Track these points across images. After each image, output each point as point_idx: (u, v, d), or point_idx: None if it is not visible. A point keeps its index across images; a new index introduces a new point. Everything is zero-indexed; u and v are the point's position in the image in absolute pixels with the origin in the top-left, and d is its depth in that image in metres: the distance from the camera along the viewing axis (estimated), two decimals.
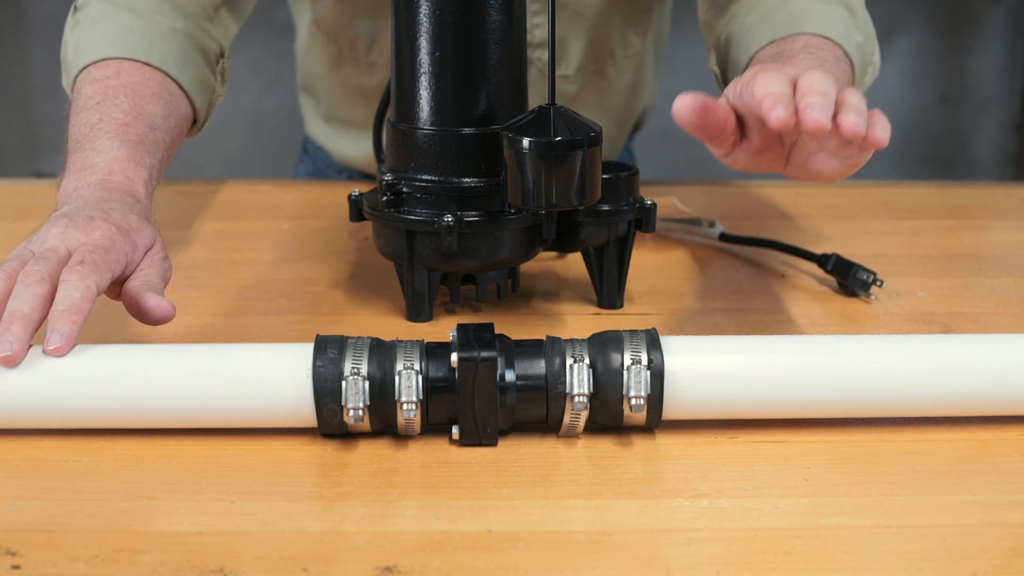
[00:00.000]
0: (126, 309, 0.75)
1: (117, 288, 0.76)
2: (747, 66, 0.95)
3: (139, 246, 0.77)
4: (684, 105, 0.69)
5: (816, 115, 0.66)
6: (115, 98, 0.90)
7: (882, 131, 0.68)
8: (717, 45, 1.03)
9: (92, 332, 0.86)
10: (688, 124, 0.70)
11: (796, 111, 0.67)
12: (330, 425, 0.69)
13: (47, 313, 0.70)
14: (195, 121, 0.99)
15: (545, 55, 1.09)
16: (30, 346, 0.69)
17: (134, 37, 0.94)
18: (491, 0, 0.81)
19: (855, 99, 0.69)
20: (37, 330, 0.69)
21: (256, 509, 0.63)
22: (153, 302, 0.74)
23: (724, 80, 1.01)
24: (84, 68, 0.93)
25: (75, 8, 0.98)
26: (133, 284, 0.75)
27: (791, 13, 0.96)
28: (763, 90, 0.69)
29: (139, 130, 0.87)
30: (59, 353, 0.68)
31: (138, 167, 0.85)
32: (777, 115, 0.66)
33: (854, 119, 0.66)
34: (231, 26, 1.04)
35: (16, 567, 0.57)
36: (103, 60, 0.93)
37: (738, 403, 0.70)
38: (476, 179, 0.83)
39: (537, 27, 1.08)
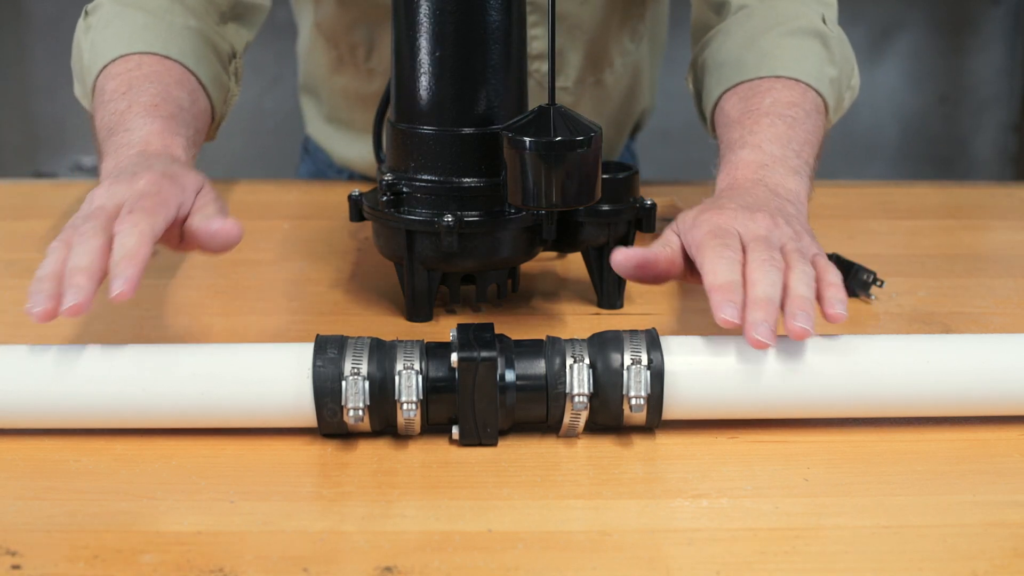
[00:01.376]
0: (197, 246, 0.74)
1: (177, 233, 0.74)
2: (716, 107, 0.95)
3: (188, 187, 0.75)
4: (619, 264, 0.75)
5: (759, 337, 0.68)
6: (140, 86, 0.89)
7: (840, 308, 0.71)
8: (693, 66, 1.03)
9: (92, 332, 0.86)
10: (629, 277, 0.76)
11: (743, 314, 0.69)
12: (330, 425, 0.69)
13: (107, 265, 0.68)
14: (212, 118, 0.98)
15: (543, 66, 1.09)
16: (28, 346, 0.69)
17: (150, 34, 0.93)
18: (491, 0, 0.81)
19: (802, 288, 0.71)
20: (101, 282, 0.68)
21: (256, 509, 0.63)
22: (218, 224, 0.72)
23: (698, 100, 1.01)
24: (103, 68, 0.92)
25: (86, 13, 0.98)
26: (194, 220, 0.73)
27: (763, 51, 0.95)
28: (716, 278, 0.71)
29: (170, 108, 0.87)
30: (124, 297, 0.66)
31: (174, 135, 0.84)
32: (725, 317, 0.68)
33: (801, 326, 0.68)
34: (242, 33, 1.04)
35: (16, 567, 0.57)
36: (122, 56, 0.92)
37: (738, 403, 0.70)
38: (476, 179, 0.83)
39: (535, 38, 1.07)
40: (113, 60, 0.92)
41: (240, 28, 1.04)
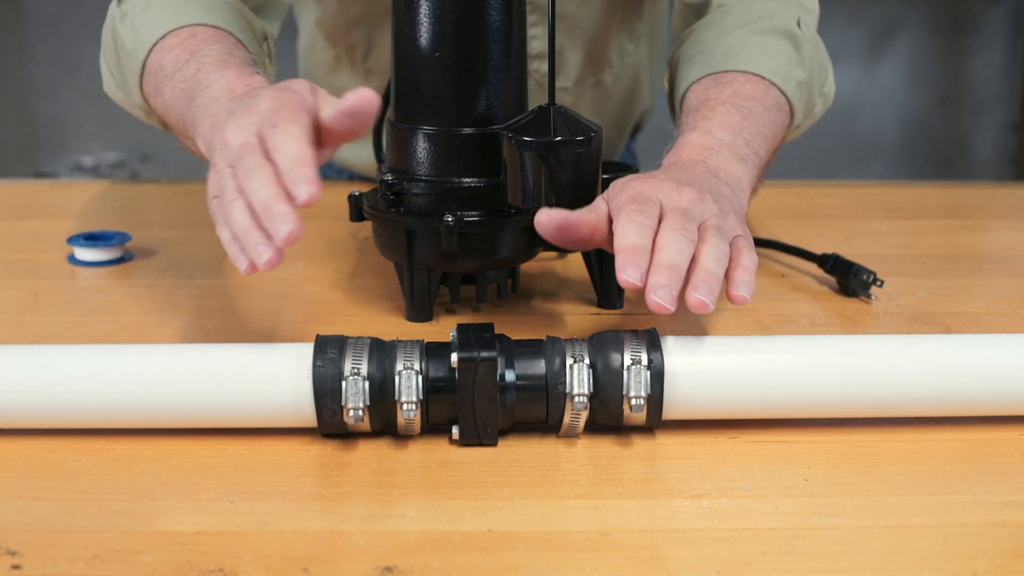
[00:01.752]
0: (340, 136, 0.71)
1: (316, 137, 0.71)
2: (683, 99, 0.95)
3: (303, 90, 0.73)
4: (541, 224, 0.74)
5: (658, 299, 0.68)
6: (201, 49, 0.87)
7: (744, 291, 0.71)
8: (669, 63, 1.03)
9: (92, 332, 0.86)
10: (550, 239, 0.75)
11: (645, 276, 0.69)
12: (330, 425, 0.69)
13: (284, 185, 0.66)
14: None
15: (543, 66, 1.09)
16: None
17: (192, 7, 0.92)
18: (491, 0, 0.81)
19: (709, 262, 0.71)
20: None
21: (256, 509, 0.63)
22: (352, 99, 0.69)
23: (670, 95, 1.01)
24: (153, 46, 0.91)
25: (118, 1, 0.96)
26: (326, 111, 0.71)
27: (730, 46, 0.95)
28: (623, 240, 0.70)
29: (238, 60, 0.85)
30: (315, 199, 0.64)
31: (252, 75, 0.82)
32: (626, 278, 0.68)
33: (699, 297, 0.68)
34: (265, 24, 1.03)
35: (16, 567, 0.57)
36: (171, 32, 0.90)
37: (738, 403, 0.70)
38: (476, 179, 0.83)
39: (535, 38, 1.07)
40: (162, 37, 0.90)
41: (262, 20, 1.03)
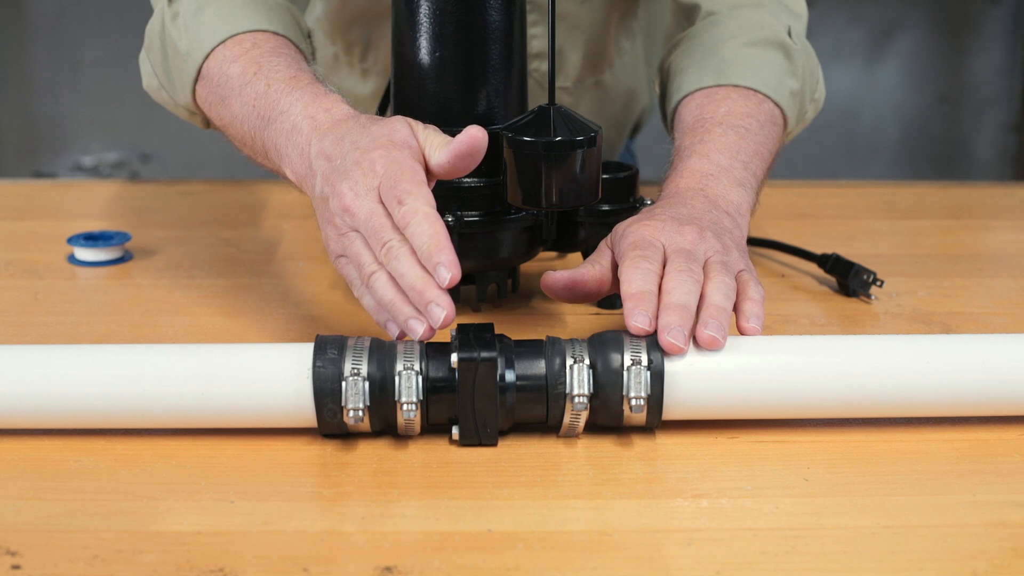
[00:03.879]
0: (454, 175, 0.74)
1: (430, 174, 0.74)
2: (675, 112, 0.95)
3: (408, 139, 0.74)
4: (548, 287, 0.77)
5: (671, 339, 0.69)
6: (268, 62, 0.86)
7: (754, 323, 0.73)
8: (659, 70, 1.03)
9: (92, 332, 0.86)
10: (560, 300, 0.78)
11: (655, 320, 0.70)
12: (330, 425, 0.69)
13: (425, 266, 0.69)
14: None
15: (543, 65, 1.09)
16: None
17: (249, 11, 0.90)
18: (491, 0, 0.81)
19: (717, 297, 0.72)
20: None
21: (256, 509, 0.63)
22: (463, 144, 0.72)
23: (662, 102, 1.01)
24: (211, 52, 0.89)
25: (169, 0, 0.93)
26: (436, 156, 0.73)
27: (723, 60, 0.95)
28: (630, 287, 0.72)
29: (307, 77, 0.84)
30: (455, 282, 0.67)
31: (326, 96, 0.81)
32: (636, 324, 0.70)
33: (710, 334, 0.70)
34: (303, 20, 1.02)
35: (16, 567, 0.57)
36: (230, 38, 0.89)
37: (738, 403, 0.70)
38: (476, 179, 0.83)
39: (535, 37, 1.07)
40: (221, 42, 0.89)
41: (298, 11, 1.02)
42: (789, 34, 0.98)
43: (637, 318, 0.70)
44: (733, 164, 0.86)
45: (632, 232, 0.76)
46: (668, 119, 0.98)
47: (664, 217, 0.78)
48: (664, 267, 0.73)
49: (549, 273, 0.77)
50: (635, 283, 0.72)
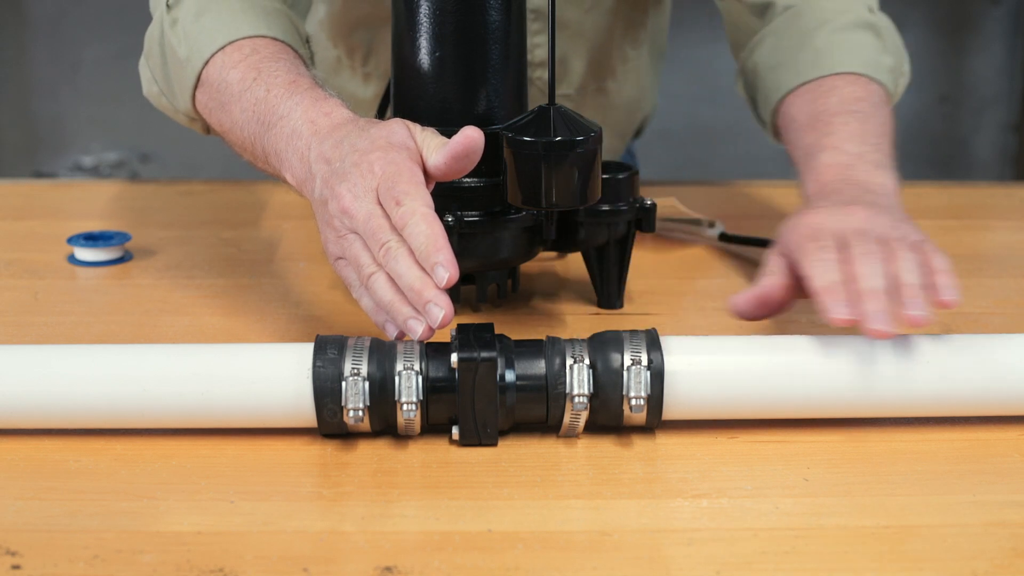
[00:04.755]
0: (452, 177, 0.74)
1: (428, 175, 0.74)
2: (777, 110, 0.94)
3: (406, 141, 0.74)
4: (740, 312, 0.76)
5: (880, 327, 0.68)
6: (267, 68, 0.86)
7: (951, 295, 0.71)
8: (743, 72, 1.03)
9: (92, 332, 0.86)
10: (755, 319, 0.77)
11: (856, 308, 0.69)
12: (330, 425, 0.69)
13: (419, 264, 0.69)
14: None
15: (545, 74, 1.09)
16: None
17: (248, 17, 0.90)
18: (491, 0, 0.81)
19: (909, 276, 0.71)
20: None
21: (256, 509, 0.63)
22: (459, 144, 0.72)
23: (754, 105, 1.01)
24: (210, 58, 0.89)
25: (168, 7, 0.93)
26: (434, 158, 0.73)
27: (818, 50, 0.95)
28: (820, 280, 0.71)
29: (306, 81, 0.84)
30: (453, 281, 0.67)
31: (326, 100, 0.81)
32: (836, 316, 0.69)
33: (916, 314, 0.69)
34: (302, 25, 1.02)
35: (16, 567, 0.57)
36: (230, 44, 0.89)
37: (738, 403, 0.70)
38: (476, 179, 0.82)
39: (538, 46, 1.07)
40: (221, 48, 0.89)
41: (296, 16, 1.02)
42: (871, 12, 0.98)
43: (836, 310, 0.69)
44: (864, 149, 0.86)
45: (802, 224, 0.76)
46: (766, 118, 0.98)
47: (826, 204, 0.77)
48: (842, 252, 0.73)
49: (734, 299, 0.76)
50: (821, 276, 0.71)
